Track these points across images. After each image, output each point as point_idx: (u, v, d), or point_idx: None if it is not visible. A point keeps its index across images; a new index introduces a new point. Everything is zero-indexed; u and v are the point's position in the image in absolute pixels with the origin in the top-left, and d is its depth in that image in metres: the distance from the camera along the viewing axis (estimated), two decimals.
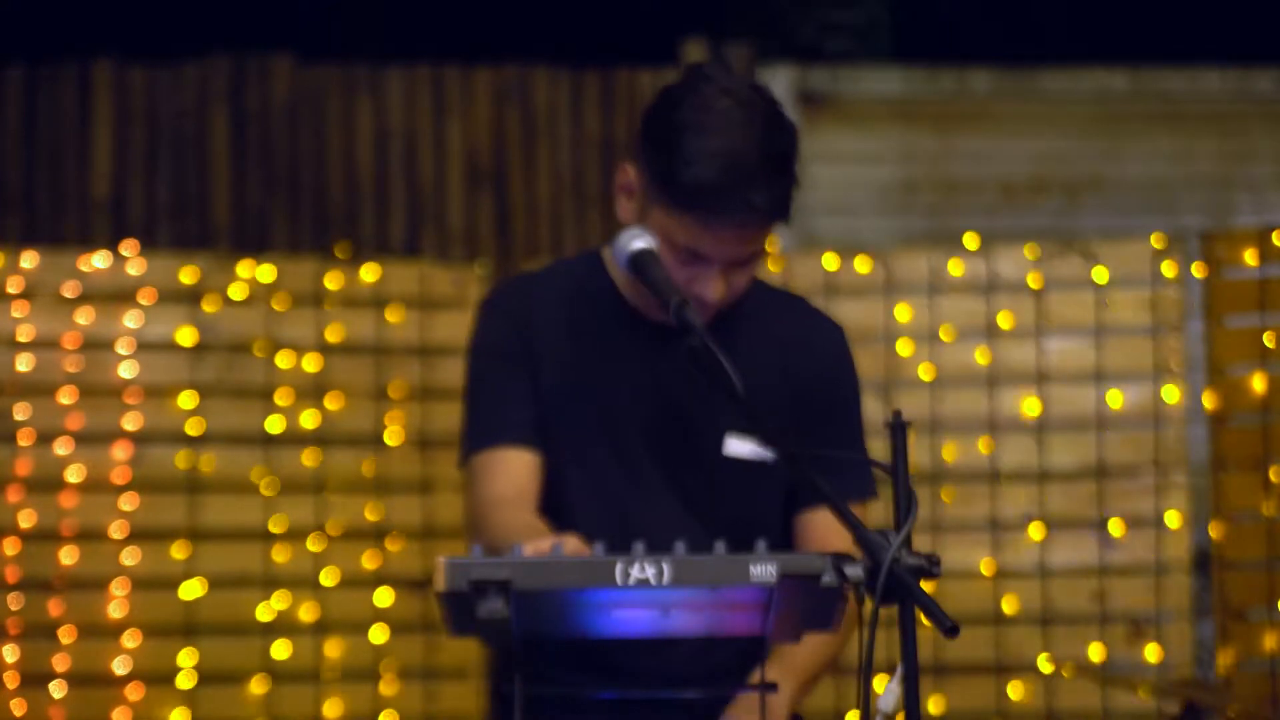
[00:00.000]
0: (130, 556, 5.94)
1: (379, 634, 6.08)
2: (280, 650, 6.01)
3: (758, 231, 2.91)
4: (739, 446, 2.68)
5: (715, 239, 2.88)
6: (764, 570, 2.46)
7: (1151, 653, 5.84)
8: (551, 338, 3.04)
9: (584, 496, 3.01)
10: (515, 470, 3.00)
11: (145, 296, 6.01)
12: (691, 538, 2.55)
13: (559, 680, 2.97)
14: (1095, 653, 5.84)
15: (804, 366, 3.12)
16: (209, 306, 6.06)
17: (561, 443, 3.02)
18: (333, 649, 6.05)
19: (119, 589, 5.93)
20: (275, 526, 6.04)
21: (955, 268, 5.99)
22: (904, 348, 5.95)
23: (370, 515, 6.11)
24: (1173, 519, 5.87)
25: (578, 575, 2.46)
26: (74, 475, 5.92)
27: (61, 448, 5.92)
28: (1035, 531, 5.90)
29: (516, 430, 3.02)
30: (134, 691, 5.90)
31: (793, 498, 3.11)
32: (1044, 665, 5.77)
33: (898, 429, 2.57)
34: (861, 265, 6.00)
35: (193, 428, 6.01)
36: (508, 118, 8.11)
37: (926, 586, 2.47)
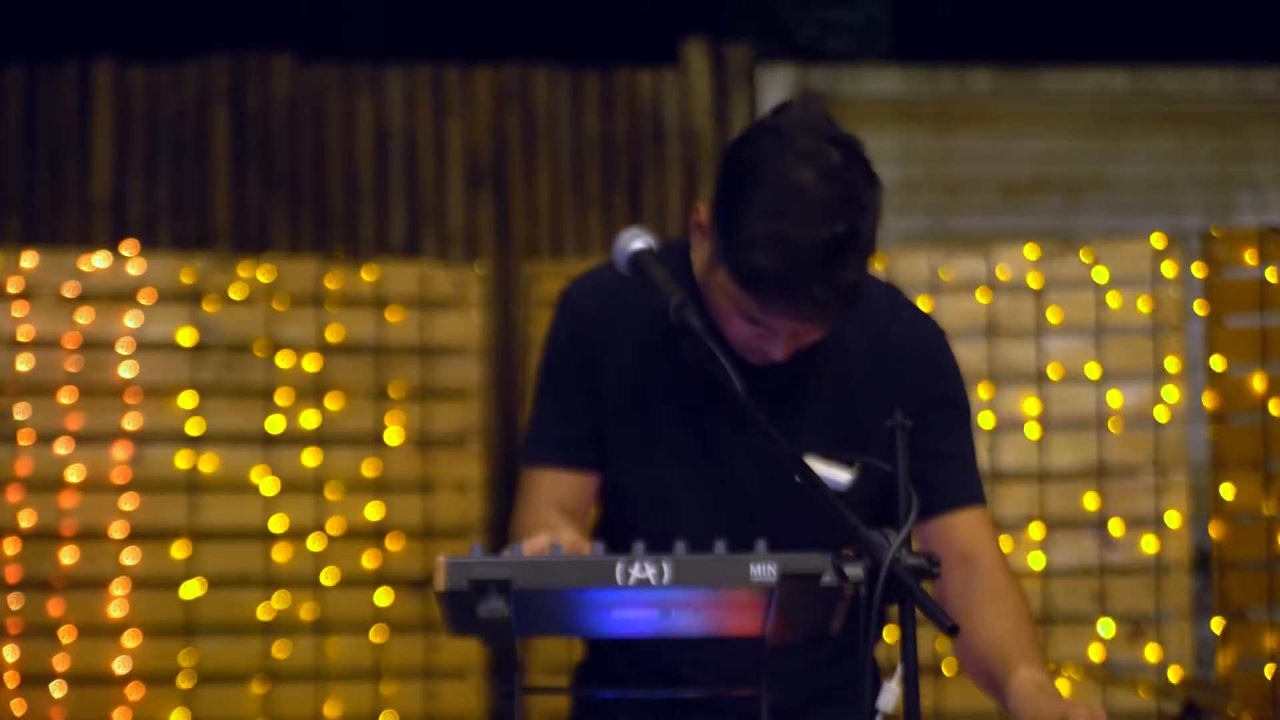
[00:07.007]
0: (130, 556, 5.94)
1: (379, 634, 6.08)
2: (280, 650, 6.01)
3: (819, 321, 2.75)
4: (816, 467, 2.62)
5: (775, 320, 2.76)
6: (764, 570, 2.45)
7: (1151, 653, 5.84)
8: (625, 342, 2.95)
9: (645, 511, 2.95)
10: (558, 490, 2.96)
11: (145, 296, 6.01)
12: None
13: (626, 683, 2.96)
14: (1095, 653, 5.84)
15: (915, 369, 2.96)
16: (209, 306, 6.06)
17: (624, 454, 2.96)
18: (333, 649, 6.05)
19: (119, 589, 5.93)
20: (275, 526, 6.04)
21: (954, 268, 6.00)
22: None
23: (370, 515, 6.11)
24: (1173, 519, 5.87)
25: (578, 575, 2.46)
26: (74, 475, 5.92)
27: (61, 448, 5.92)
28: (1035, 531, 5.90)
29: (566, 450, 2.96)
30: (134, 691, 5.90)
31: (924, 502, 2.82)
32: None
33: (897, 429, 2.56)
34: None
35: (193, 428, 6.01)
36: (508, 118, 8.10)
37: (927, 586, 2.46)
